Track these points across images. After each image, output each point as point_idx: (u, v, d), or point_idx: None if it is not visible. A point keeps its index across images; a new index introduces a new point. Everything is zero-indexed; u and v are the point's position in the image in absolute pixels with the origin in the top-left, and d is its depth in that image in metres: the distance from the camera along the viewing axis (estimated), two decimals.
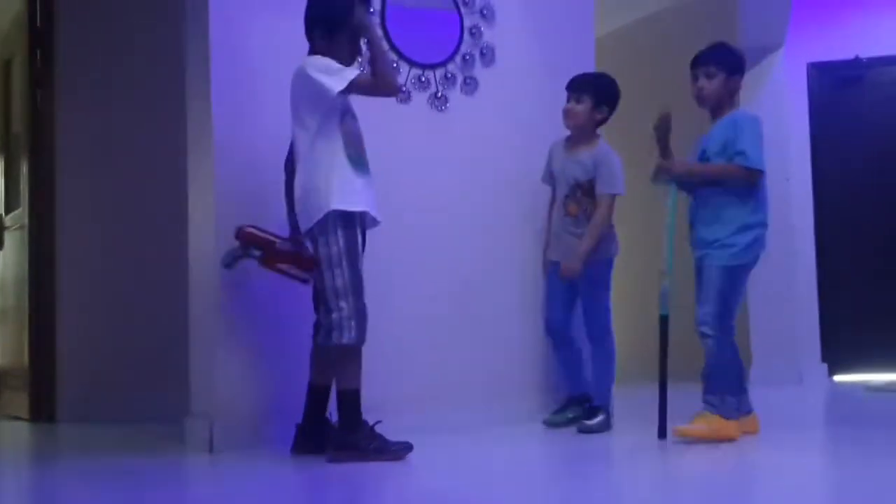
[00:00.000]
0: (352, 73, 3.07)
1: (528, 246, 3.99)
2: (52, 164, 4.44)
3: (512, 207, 3.98)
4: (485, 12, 3.98)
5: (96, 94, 4.44)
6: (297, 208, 3.13)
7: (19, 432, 4.24)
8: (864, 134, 5.62)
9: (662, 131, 3.37)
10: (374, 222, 3.16)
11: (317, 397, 3.19)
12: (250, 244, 3.16)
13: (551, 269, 3.84)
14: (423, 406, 3.59)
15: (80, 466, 3.25)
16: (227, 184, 3.38)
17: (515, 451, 3.30)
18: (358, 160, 3.11)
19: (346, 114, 3.13)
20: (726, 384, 3.30)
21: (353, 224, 3.07)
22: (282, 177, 3.33)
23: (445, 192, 3.83)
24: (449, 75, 3.89)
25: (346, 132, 3.10)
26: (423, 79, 3.83)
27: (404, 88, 3.67)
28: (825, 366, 5.45)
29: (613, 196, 3.71)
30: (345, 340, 3.02)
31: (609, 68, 4.11)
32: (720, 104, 3.46)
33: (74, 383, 4.34)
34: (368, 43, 3.15)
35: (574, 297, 3.80)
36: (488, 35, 3.99)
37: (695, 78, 3.47)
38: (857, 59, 5.59)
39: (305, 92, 3.08)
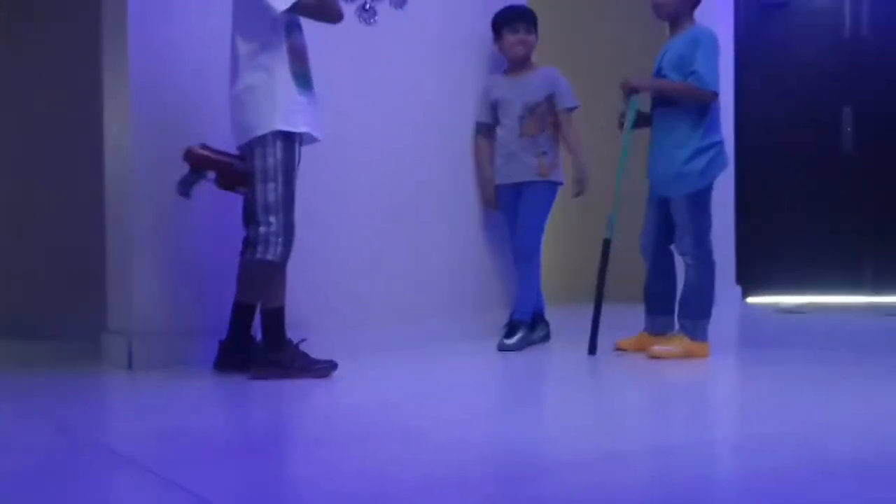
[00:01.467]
0: None
1: (457, 161, 3.97)
2: None
3: (442, 120, 3.94)
4: None
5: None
6: (233, 118, 3.02)
7: None
8: (785, 59, 5.70)
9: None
10: (313, 139, 3.08)
11: (241, 314, 3.15)
12: (204, 167, 3.01)
13: (502, 193, 3.87)
14: (354, 324, 3.59)
15: None
16: (144, 93, 3.26)
17: (441, 369, 3.32)
18: (303, 77, 3.00)
19: (293, 27, 3.01)
20: (701, 309, 3.39)
21: (293, 141, 2.99)
22: (201, 92, 3.23)
23: (374, 105, 3.75)
24: None
25: (291, 47, 2.98)
26: None
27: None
28: (739, 288, 5.62)
29: (572, 110, 3.81)
30: (269, 256, 2.97)
31: None
32: (678, 15, 3.42)
33: None
34: None
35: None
36: None
37: None
38: None
39: (250, 1, 2.94)
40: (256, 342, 3.12)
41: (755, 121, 5.67)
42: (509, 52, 3.87)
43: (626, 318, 3.70)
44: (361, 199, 3.69)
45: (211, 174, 3.04)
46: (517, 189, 3.82)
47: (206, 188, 3.09)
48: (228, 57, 3.05)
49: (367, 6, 3.75)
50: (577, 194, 3.76)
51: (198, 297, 3.33)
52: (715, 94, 3.34)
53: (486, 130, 3.95)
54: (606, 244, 3.47)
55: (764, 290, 5.65)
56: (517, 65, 3.88)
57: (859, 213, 5.56)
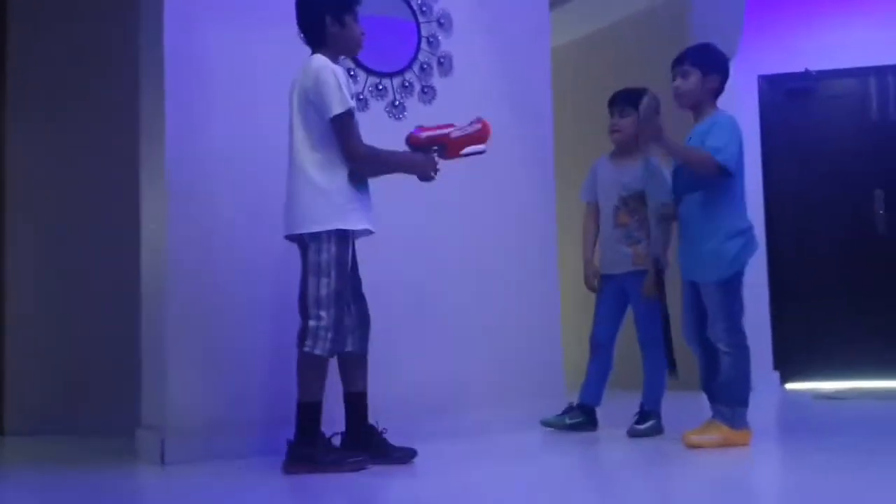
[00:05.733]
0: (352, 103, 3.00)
1: (493, 248, 4.03)
2: (3, 173, 4.36)
3: (474, 210, 4.00)
4: (442, 21, 3.99)
5: (48, 104, 4.37)
6: (288, 207, 3.04)
7: None
8: (813, 144, 5.73)
9: (647, 117, 3.32)
10: (368, 233, 3.12)
11: (354, 403, 3.13)
12: (426, 146, 3.15)
13: (604, 282, 3.83)
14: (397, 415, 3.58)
15: (29, 480, 3.18)
16: (181, 193, 3.33)
17: (504, 464, 3.27)
18: (359, 176, 3.06)
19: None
20: (738, 396, 3.33)
21: (347, 238, 3.02)
22: (237, 184, 3.31)
23: (403, 197, 3.80)
24: (406, 84, 3.88)
25: None
26: (381, 87, 3.81)
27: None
28: (777, 374, 5.53)
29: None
30: (317, 351, 2.96)
31: (564, 78, 4.16)
32: (699, 103, 3.43)
33: (23, 395, 4.24)
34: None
35: (623, 311, 3.81)
36: (446, 44, 3.99)
37: (673, 77, 3.45)
38: (806, 72, 5.70)
39: (315, 96, 2.98)
40: (327, 439, 3.04)
41: (786, 205, 5.67)
42: (610, 138, 3.86)
43: (688, 407, 3.65)
44: (396, 289, 3.71)
45: (435, 149, 3.17)
46: (618, 280, 3.76)
47: (234, 282, 3.12)
48: (267, 157, 3.10)
49: (397, 103, 3.84)
50: (648, 289, 3.67)
51: (230, 391, 3.34)
52: (720, 167, 3.26)
53: (592, 210, 3.89)
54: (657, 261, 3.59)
55: (803, 376, 5.55)
56: (617, 150, 3.82)
57: None
